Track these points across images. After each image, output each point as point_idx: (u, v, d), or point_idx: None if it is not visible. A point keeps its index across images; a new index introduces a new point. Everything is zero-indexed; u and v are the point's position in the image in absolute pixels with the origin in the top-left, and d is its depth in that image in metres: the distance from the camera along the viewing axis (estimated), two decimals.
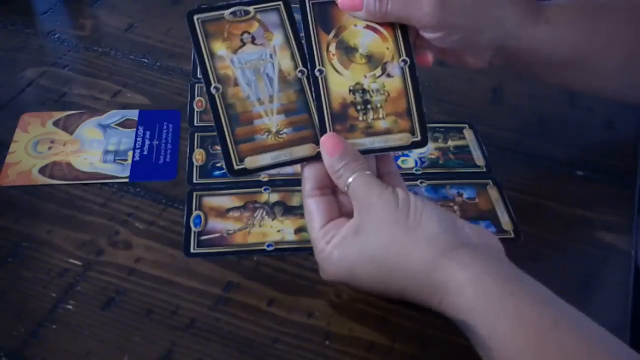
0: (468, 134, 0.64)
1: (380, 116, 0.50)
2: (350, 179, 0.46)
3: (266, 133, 0.49)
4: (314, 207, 0.48)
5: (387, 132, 0.50)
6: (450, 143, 0.63)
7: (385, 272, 0.44)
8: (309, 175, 0.49)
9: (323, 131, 0.49)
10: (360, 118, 0.50)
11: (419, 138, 0.50)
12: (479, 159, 0.62)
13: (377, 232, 0.44)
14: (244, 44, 0.49)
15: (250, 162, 0.49)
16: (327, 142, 0.48)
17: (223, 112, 0.48)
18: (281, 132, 0.49)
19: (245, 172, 0.49)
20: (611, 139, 0.65)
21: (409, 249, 0.43)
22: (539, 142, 0.64)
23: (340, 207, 0.48)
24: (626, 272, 0.53)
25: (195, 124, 0.64)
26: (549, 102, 0.68)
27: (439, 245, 0.43)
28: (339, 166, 0.47)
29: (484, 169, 0.61)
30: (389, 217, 0.44)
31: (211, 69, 0.48)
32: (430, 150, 0.62)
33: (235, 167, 0.48)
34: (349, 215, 0.47)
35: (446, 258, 0.42)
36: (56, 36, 0.74)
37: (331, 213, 0.48)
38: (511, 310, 0.40)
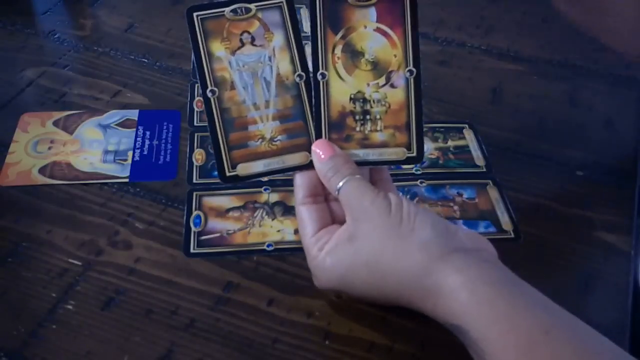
0: (468, 134, 0.64)
1: (378, 128, 0.49)
2: (340, 183, 0.46)
3: (260, 139, 0.49)
4: (306, 214, 0.48)
5: (383, 145, 0.49)
6: (450, 143, 0.63)
7: (379, 278, 0.44)
8: (301, 183, 0.48)
9: (318, 139, 0.49)
10: (358, 129, 0.49)
11: (414, 154, 0.50)
12: (479, 159, 0.62)
13: (370, 239, 0.44)
14: (243, 44, 0.49)
15: (243, 169, 0.48)
16: (318, 147, 0.48)
17: (218, 117, 0.48)
18: (275, 139, 0.49)
19: (237, 179, 0.49)
20: (611, 139, 0.65)
21: (402, 254, 0.43)
22: (539, 142, 0.64)
23: (332, 214, 0.48)
24: (626, 272, 0.53)
25: (195, 124, 0.64)
26: (549, 102, 0.69)
27: (432, 251, 0.43)
28: (328, 169, 0.47)
29: (484, 169, 0.61)
30: (382, 223, 0.44)
31: (208, 71, 0.48)
32: (430, 150, 0.62)
33: (228, 174, 0.48)
34: (341, 222, 0.47)
35: (440, 263, 0.42)
36: (56, 36, 0.75)
37: (323, 220, 0.48)
38: (504, 315, 0.40)
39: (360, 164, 0.49)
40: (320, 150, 0.48)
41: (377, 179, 0.50)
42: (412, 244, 0.43)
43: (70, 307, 0.48)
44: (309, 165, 0.49)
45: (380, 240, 0.44)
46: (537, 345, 0.39)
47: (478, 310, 0.41)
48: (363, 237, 0.44)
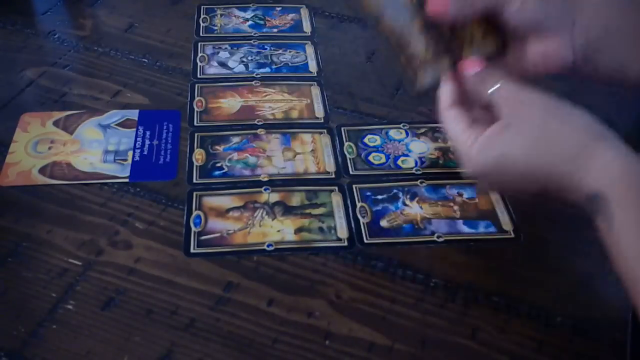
0: None
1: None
2: (494, 87, 0.48)
3: (419, 55, 0.50)
4: (455, 113, 0.49)
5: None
6: (451, 143, 0.63)
7: (535, 157, 0.46)
8: (446, 90, 0.50)
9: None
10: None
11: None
12: None
13: (530, 120, 0.46)
14: None
15: (422, 81, 0.51)
16: (466, 62, 0.50)
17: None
18: (426, 50, 0.50)
19: (425, 91, 0.51)
20: None
21: (564, 132, 0.45)
22: None
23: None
24: None
25: (195, 124, 0.64)
26: None
27: (592, 131, 0.45)
28: (483, 75, 0.49)
29: None
30: (543, 106, 0.46)
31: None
32: (430, 150, 0.62)
33: (419, 88, 0.51)
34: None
35: (598, 142, 0.45)
36: (56, 36, 0.75)
37: (470, 121, 0.49)
38: None
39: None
40: (469, 64, 0.50)
41: None
42: (573, 124, 0.46)
43: (70, 307, 0.48)
44: (454, 67, 0.50)
45: (541, 120, 0.46)
46: None
47: (627, 183, 0.43)
48: (522, 121, 0.46)
